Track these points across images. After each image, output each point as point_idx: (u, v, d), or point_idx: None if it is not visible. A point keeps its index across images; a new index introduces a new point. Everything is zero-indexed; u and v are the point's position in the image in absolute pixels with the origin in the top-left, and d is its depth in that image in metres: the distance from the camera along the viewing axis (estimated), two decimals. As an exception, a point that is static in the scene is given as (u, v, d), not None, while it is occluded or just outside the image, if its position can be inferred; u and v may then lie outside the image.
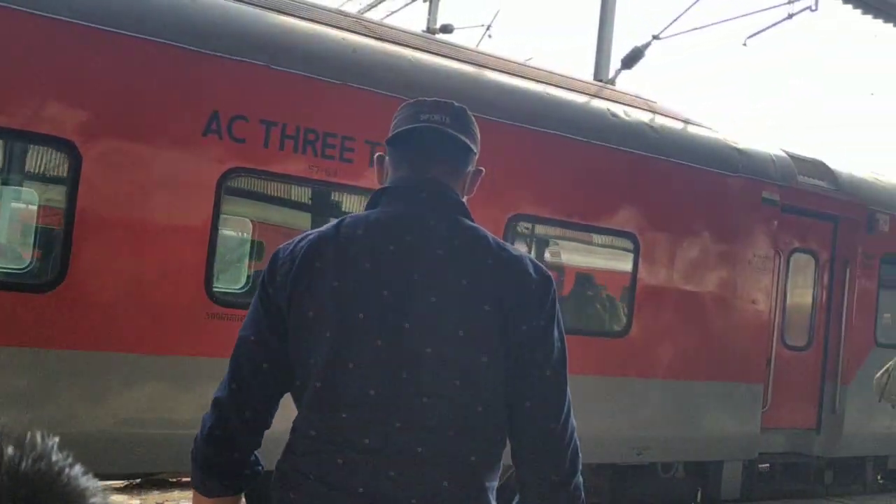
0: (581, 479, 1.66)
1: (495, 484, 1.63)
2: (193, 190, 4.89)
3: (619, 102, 6.96)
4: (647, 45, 9.26)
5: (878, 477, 10.13)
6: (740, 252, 7.28)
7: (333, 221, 1.75)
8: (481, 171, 1.82)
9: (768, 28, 9.23)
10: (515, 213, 6.01)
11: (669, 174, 6.87)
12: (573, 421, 1.65)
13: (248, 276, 5.97)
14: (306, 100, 5.24)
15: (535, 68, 6.96)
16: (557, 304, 1.66)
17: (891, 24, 9.17)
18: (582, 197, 6.40)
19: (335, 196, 5.61)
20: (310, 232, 1.74)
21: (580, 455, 1.66)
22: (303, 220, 5.86)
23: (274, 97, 5.13)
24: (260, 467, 1.73)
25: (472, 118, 1.78)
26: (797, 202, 7.80)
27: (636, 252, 6.62)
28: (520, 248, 2.01)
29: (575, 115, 6.45)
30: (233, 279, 5.98)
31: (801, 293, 8.14)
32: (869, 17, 8.93)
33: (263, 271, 1.72)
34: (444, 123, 1.70)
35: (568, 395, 1.65)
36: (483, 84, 6.04)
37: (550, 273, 1.71)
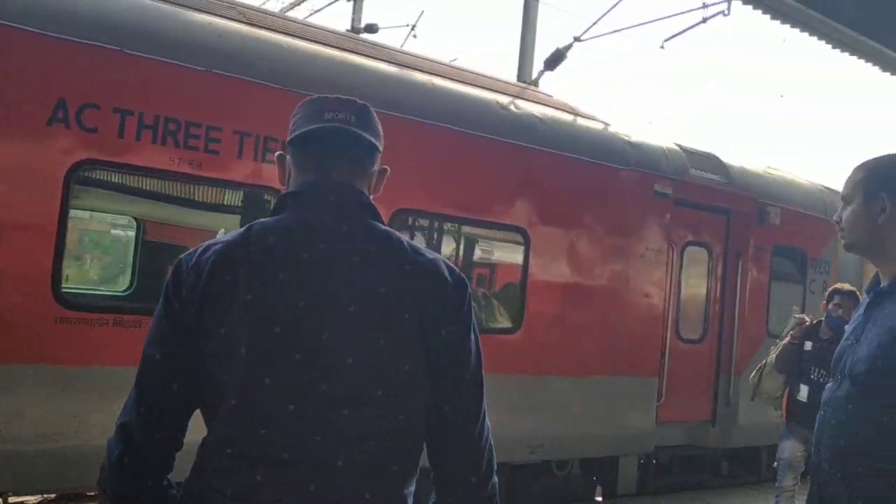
0: (497, 479, 1.67)
1: (413, 488, 1.63)
2: (37, 184, 4.49)
3: (509, 94, 6.82)
4: (568, 47, 9.54)
5: (774, 465, 10.37)
6: (633, 245, 7.25)
7: (240, 229, 1.66)
8: (386, 169, 1.78)
9: (684, 31, 9.42)
10: (400, 208, 5.80)
11: (560, 167, 6.77)
12: (489, 423, 1.66)
13: (113, 277, 5.58)
14: (166, 87, 4.90)
15: (418, 57, 6.76)
16: (473, 309, 1.65)
17: (797, 30, 9.41)
18: (470, 190, 6.23)
19: (200, 189, 5.27)
20: (214, 241, 1.65)
21: (495, 456, 1.68)
22: (164, 214, 5.51)
23: (129, 84, 4.77)
24: (173, 491, 1.66)
25: (375, 115, 1.74)
26: (690, 196, 7.83)
27: (526, 246, 6.50)
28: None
29: (460, 107, 6.27)
30: (87, 279, 5.57)
31: (695, 286, 8.19)
32: (777, 22, 9.11)
33: (166, 284, 1.62)
34: (348, 122, 1.66)
35: (484, 399, 1.66)
36: (362, 73, 5.79)
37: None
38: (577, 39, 9.81)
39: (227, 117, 5.05)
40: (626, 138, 7.38)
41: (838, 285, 6.02)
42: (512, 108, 6.62)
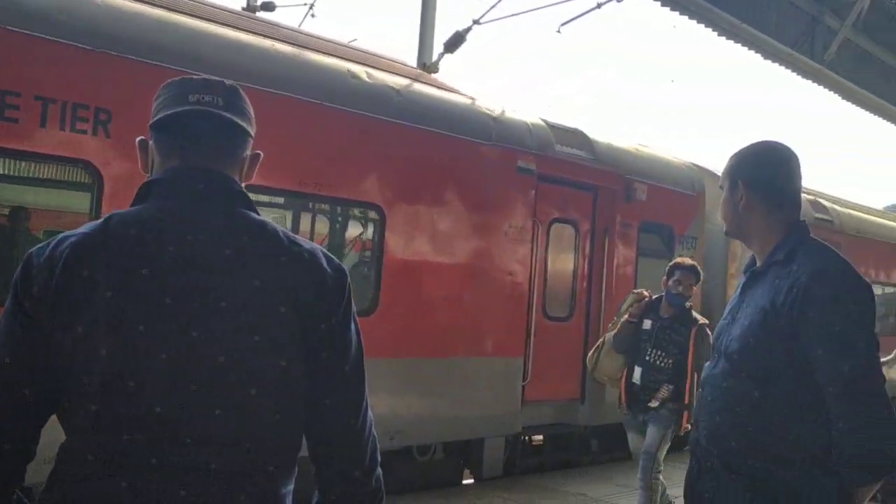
0: (381, 471, 1.62)
1: (292, 486, 1.56)
2: None
3: (363, 63, 6.47)
4: (468, 30, 9.55)
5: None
6: (496, 223, 7.06)
7: (98, 220, 1.55)
8: (259, 154, 1.67)
9: (579, 16, 9.39)
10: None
11: (418, 141, 6.49)
12: (371, 415, 1.62)
13: None
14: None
15: (261, 21, 6.32)
16: (353, 299, 1.59)
17: (686, 17, 9.65)
18: (319, 165, 5.86)
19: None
20: (69, 233, 1.52)
21: (378, 448, 1.63)
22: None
23: None
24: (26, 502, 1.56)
25: (246, 97, 1.64)
26: (556, 172, 7.71)
27: (382, 224, 6.20)
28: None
29: (306, 75, 5.88)
30: None
31: (562, 263, 8.10)
32: (667, 9, 9.18)
33: (14, 280, 1.50)
34: (216, 105, 1.57)
35: (366, 391, 1.60)
36: (186, 34, 5.31)
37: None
38: (476, 22, 9.81)
39: (28, 82, 4.50)
40: (489, 112, 7.17)
41: (678, 260, 5.77)
42: (365, 77, 6.28)
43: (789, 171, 2.34)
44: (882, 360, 2.79)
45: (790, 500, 2.10)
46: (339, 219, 6.33)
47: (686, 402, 5.25)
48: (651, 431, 5.36)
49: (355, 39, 8.34)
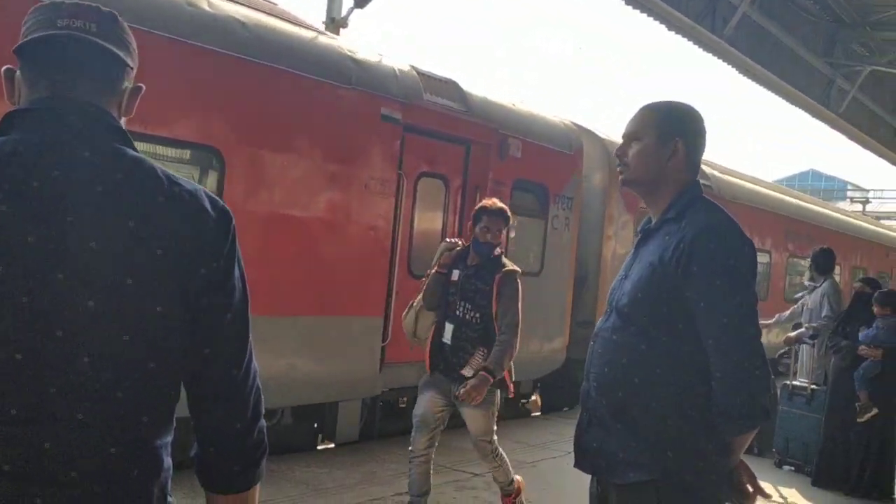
0: (264, 422, 1.56)
1: (169, 439, 1.47)
2: None
3: (205, -9, 5.83)
4: None
5: (523, 403, 10.46)
6: (355, 173, 6.61)
7: None
8: (140, 87, 1.58)
9: None
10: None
11: (267, 80, 5.94)
12: (255, 365, 1.54)
13: None
14: None
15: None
16: (237, 243, 1.51)
17: None
18: (147, 100, 5.22)
19: None
20: None
21: (262, 399, 1.56)
22: None
23: None
24: None
25: (125, 26, 1.53)
26: (424, 123, 7.31)
27: (221, 170, 5.65)
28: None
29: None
30: None
31: (431, 220, 7.74)
32: None
33: None
34: (88, 31, 1.44)
35: (250, 339, 1.53)
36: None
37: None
38: None
39: None
40: (350, 54, 6.67)
41: (485, 203, 4.94)
42: (205, 6, 5.65)
43: (706, 136, 2.42)
44: (763, 323, 2.87)
45: (674, 449, 2.17)
46: (170, 162, 5.72)
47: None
48: (474, 416, 4.75)
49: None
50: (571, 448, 2.44)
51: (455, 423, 7.91)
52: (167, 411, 1.47)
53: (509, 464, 5.12)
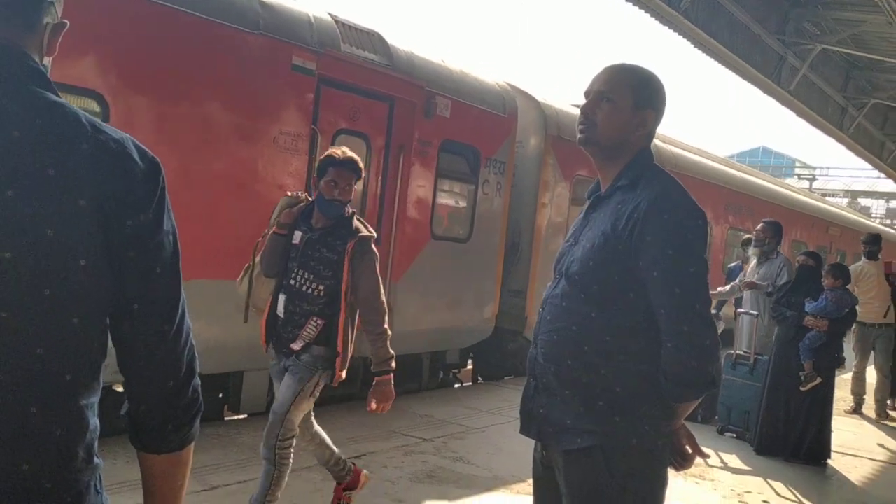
0: (199, 381, 1.48)
1: (96, 399, 1.40)
2: None
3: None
4: None
5: (454, 373, 10.18)
6: (261, 127, 6.14)
7: None
8: (64, 24, 1.43)
9: None
10: None
11: (160, 23, 5.41)
12: (188, 322, 1.46)
13: None
14: None
15: None
16: (167, 194, 1.43)
17: None
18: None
19: None
20: None
21: (197, 357, 1.48)
22: None
23: None
24: None
25: None
26: (343, 76, 6.84)
27: (103, 118, 5.13)
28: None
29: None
30: None
31: (349, 180, 7.32)
32: None
33: None
34: None
35: (182, 295, 1.45)
36: None
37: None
38: None
39: None
40: (258, -4, 6.15)
41: (331, 152, 4.15)
42: (86, -66, 5.09)
43: None
44: (712, 292, 2.73)
45: (622, 415, 2.18)
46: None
47: (340, 345, 4.00)
48: (285, 383, 4.01)
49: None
50: (519, 414, 2.45)
51: (406, 389, 7.86)
52: (92, 369, 1.39)
53: (336, 450, 4.47)
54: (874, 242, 9.80)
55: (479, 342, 8.98)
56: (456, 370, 10.38)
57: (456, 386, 9.47)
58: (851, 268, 9.16)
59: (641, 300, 2.17)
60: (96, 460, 1.40)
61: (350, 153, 4.13)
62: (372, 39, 7.22)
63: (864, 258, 9.82)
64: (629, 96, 2.27)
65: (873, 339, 9.63)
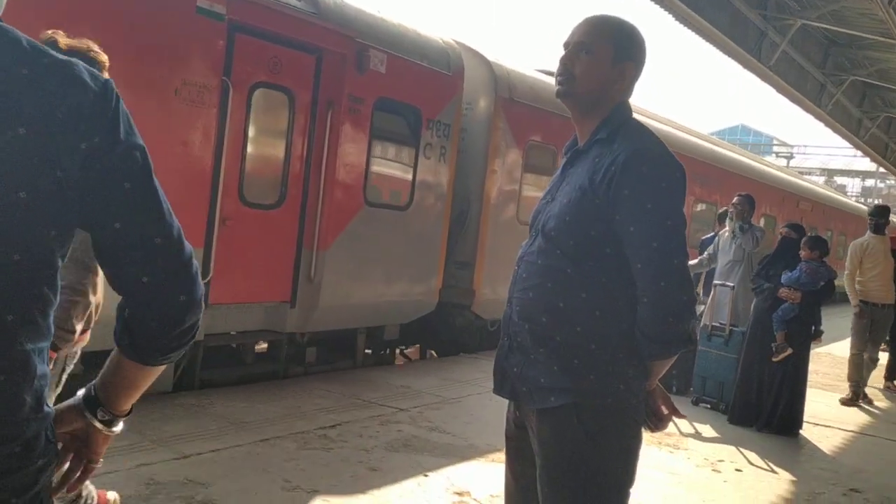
0: (202, 295, 1.40)
1: (45, 344, 1.31)
2: None
3: None
4: None
5: (401, 350, 9.64)
6: (158, 76, 5.49)
7: None
8: None
9: None
10: None
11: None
12: (188, 245, 1.38)
13: None
14: None
15: None
16: (126, 110, 1.34)
17: None
18: None
19: None
20: None
21: (200, 276, 1.40)
22: None
23: None
24: None
25: None
26: (261, 23, 6.20)
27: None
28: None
29: None
30: None
31: (270, 139, 6.70)
32: None
33: None
34: None
35: (167, 207, 1.35)
36: None
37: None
38: None
39: None
40: (155, -72, 5.48)
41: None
42: None
43: None
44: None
45: (597, 373, 2.15)
46: None
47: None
48: None
49: None
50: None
51: (337, 367, 7.50)
52: (39, 311, 1.29)
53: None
54: (881, 215, 8.89)
55: (421, 317, 8.42)
56: (404, 347, 9.87)
57: (398, 363, 8.94)
58: (856, 242, 8.87)
59: (619, 256, 2.13)
60: (46, 408, 1.32)
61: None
62: (295, -17, 6.56)
63: (869, 232, 8.87)
64: (609, 48, 2.21)
65: (877, 320, 8.78)
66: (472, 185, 8.91)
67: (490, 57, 8.99)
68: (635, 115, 2.29)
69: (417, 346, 9.94)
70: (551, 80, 10.71)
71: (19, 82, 1.23)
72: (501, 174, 9.06)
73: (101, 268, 1.38)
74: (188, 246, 1.39)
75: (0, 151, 1.20)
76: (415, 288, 8.10)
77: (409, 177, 7.89)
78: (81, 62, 1.32)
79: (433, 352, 9.92)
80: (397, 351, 9.72)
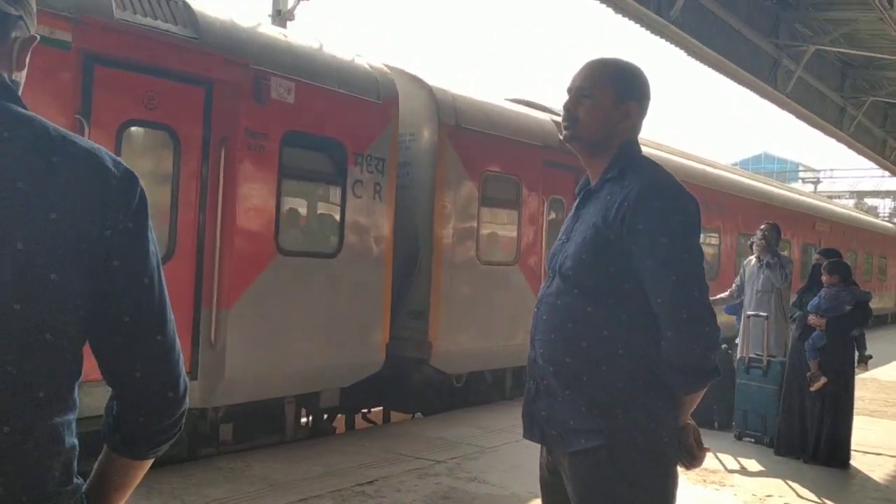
0: (188, 402, 1.45)
1: (72, 417, 1.35)
2: None
3: None
4: None
5: (365, 414, 8.67)
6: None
7: None
8: (35, 38, 1.41)
9: None
10: None
11: None
12: (178, 343, 1.43)
13: None
14: None
15: None
16: (147, 206, 1.38)
17: None
18: None
19: None
20: None
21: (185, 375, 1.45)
22: None
23: None
24: None
25: None
26: (127, 53, 5.38)
27: None
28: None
29: None
30: None
31: (153, 184, 5.74)
32: None
33: None
34: None
35: (168, 304, 1.42)
36: None
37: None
38: None
39: None
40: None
41: None
42: None
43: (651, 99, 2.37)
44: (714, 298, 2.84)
45: (625, 411, 2.12)
46: None
47: None
48: None
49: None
50: None
51: (257, 445, 6.64)
52: (67, 387, 1.33)
53: None
54: None
55: (368, 377, 7.37)
56: (366, 410, 8.82)
57: (338, 432, 7.89)
58: None
59: (637, 291, 2.12)
60: (76, 480, 1.36)
61: None
62: (167, 5, 5.74)
63: None
64: (610, 91, 2.26)
65: None
66: (421, 224, 7.94)
67: (431, 82, 8.10)
68: (645, 148, 2.26)
69: (381, 408, 8.89)
70: (519, 108, 9.70)
71: (50, 169, 1.29)
72: (454, 210, 8.07)
73: (95, 353, 1.38)
74: (178, 343, 1.42)
75: (35, 235, 1.26)
76: (353, 346, 7.08)
77: (337, 218, 6.94)
78: (104, 149, 1.38)
79: (417, 413, 8.84)
80: (361, 415, 8.71)
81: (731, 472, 6.28)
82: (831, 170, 61.59)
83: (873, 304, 7.58)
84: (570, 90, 2.30)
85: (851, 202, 49.13)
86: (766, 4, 12.66)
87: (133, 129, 5.58)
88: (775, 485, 6.00)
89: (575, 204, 2.37)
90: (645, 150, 2.39)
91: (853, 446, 6.80)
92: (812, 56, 13.79)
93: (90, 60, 5.19)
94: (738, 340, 7.95)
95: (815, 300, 6.82)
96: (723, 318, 9.53)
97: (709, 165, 14.15)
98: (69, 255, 1.28)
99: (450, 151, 7.97)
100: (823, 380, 6.64)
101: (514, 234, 8.90)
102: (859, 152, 19.07)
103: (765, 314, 7.54)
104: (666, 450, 2.14)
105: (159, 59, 5.58)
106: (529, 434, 2.32)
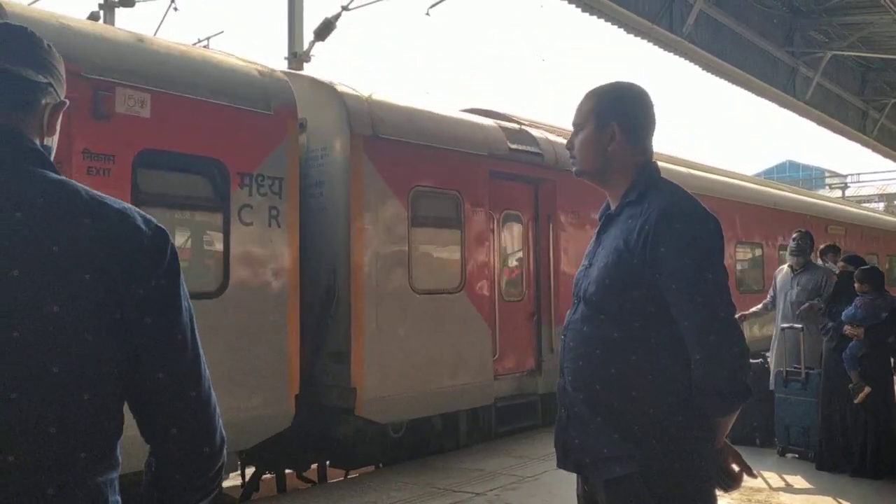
0: (226, 452, 1.51)
1: (115, 475, 1.40)
2: None
3: None
4: (337, 17, 10.14)
5: (298, 475, 7.58)
6: None
7: None
8: (64, 103, 1.51)
9: None
10: None
11: None
12: (214, 394, 1.47)
13: None
14: None
15: None
16: (178, 262, 1.44)
17: None
18: None
19: None
20: None
21: (221, 425, 1.50)
22: None
23: None
24: None
25: (32, 35, 1.47)
26: None
27: None
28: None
29: None
30: None
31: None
32: None
33: None
34: None
35: (203, 360, 1.47)
36: None
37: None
38: (344, 9, 10.27)
39: None
40: None
41: None
42: None
43: (651, 112, 2.36)
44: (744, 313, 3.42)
45: (658, 437, 2.10)
46: None
47: None
48: None
49: (222, 32, 5.20)
50: None
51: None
52: (108, 445, 1.38)
53: None
54: None
55: (275, 434, 6.28)
56: (303, 471, 7.71)
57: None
58: None
59: (664, 313, 2.11)
60: None
61: None
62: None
63: None
64: (592, 119, 2.30)
65: None
66: (334, 252, 6.88)
67: (341, 88, 7.08)
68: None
69: (314, 465, 7.76)
70: (462, 115, 8.55)
71: (83, 232, 1.34)
72: (375, 232, 7.00)
73: (132, 411, 1.40)
74: (214, 396, 1.44)
75: (70, 297, 1.30)
76: (251, 400, 6.00)
77: (220, 251, 5.91)
78: (135, 209, 1.42)
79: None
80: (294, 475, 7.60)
81: (776, 489, 6.14)
82: (858, 174, 60.24)
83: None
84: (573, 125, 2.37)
85: (882, 206, 47.63)
86: (779, 14, 12.62)
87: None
88: (823, 502, 5.89)
89: (597, 229, 2.38)
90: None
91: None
92: (830, 61, 13.61)
93: None
94: (769, 354, 7.85)
95: (851, 309, 6.68)
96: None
97: (696, 169, 12.94)
98: (103, 314, 1.33)
99: (366, 165, 6.92)
100: (867, 389, 6.51)
101: (458, 256, 7.80)
102: (885, 155, 18.68)
103: (800, 326, 7.43)
104: (703, 473, 2.12)
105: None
106: (563, 464, 2.32)
